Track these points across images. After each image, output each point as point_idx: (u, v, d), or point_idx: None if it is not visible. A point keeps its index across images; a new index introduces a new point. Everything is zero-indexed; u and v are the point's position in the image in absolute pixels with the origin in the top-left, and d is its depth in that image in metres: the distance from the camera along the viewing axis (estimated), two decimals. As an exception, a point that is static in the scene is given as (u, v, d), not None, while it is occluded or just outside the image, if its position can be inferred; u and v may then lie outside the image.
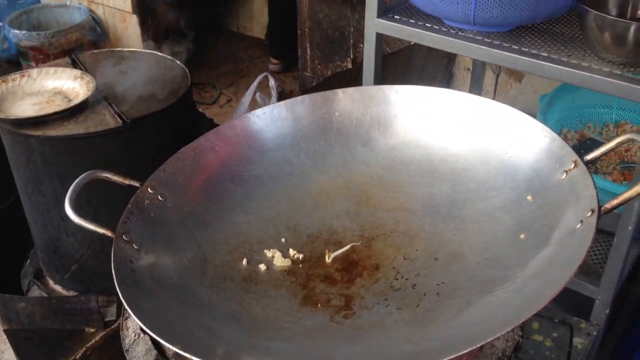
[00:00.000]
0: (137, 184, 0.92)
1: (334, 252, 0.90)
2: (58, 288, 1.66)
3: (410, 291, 0.81)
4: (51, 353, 1.39)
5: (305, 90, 2.13)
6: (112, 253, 0.81)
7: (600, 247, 1.53)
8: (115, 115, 1.41)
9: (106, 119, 1.41)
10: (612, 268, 1.31)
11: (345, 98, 1.08)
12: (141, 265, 0.84)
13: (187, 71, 1.60)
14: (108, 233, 0.85)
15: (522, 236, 0.85)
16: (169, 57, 1.67)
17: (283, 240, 0.93)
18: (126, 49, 1.74)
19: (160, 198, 0.93)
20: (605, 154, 0.82)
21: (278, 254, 0.91)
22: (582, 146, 1.56)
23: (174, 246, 0.90)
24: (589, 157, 0.83)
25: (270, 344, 0.76)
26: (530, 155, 0.91)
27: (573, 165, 0.84)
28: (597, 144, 1.55)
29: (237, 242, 0.93)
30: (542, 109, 1.51)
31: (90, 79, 1.51)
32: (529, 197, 0.88)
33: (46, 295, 1.64)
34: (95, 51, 1.73)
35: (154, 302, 0.78)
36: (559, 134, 1.61)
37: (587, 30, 1.16)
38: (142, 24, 3.26)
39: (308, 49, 2.67)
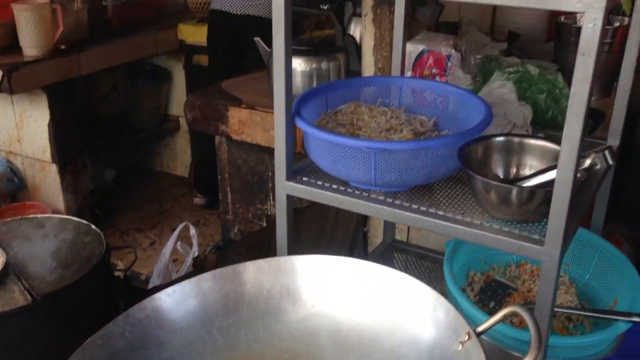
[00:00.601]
0: None
1: None
2: None
3: None
4: None
5: (222, 245, 2.17)
6: None
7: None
8: (25, 292, 1.38)
9: (15, 297, 1.38)
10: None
11: (255, 270, 1.12)
12: None
13: (103, 236, 1.61)
14: None
15: None
16: (84, 221, 1.67)
17: None
18: (40, 215, 1.73)
19: None
20: (494, 325, 0.88)
21: None
22: (488, 288, 1.63)
23: None
24: (480, 329, 0.88)
25: None
26: (430, 326, 0.96)
27: (467, 337, 0.88)
28: (501, 285, 1.64)
29: None
30: (447, 256, 1.59)
31: (1, 253, 1.48)
32: None
33: None
34: (7, 219, 1.71)
35: None
36: (467, 277, 1.69)
37: (475, 192, 1.27)
38: (62, 173, 3.26)
39: (229, 193, 2.73)
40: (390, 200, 1.37)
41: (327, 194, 1.42)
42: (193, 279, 1.09)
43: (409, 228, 2.26)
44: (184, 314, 1.06)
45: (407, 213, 1.33)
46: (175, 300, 1.06)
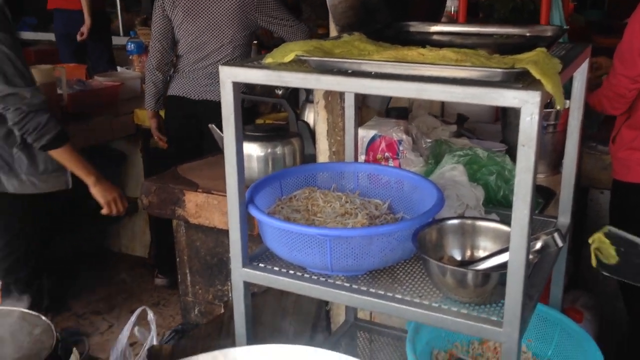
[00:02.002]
0: None
1: None
2: None
3: None
4: None
5: (180, 330, 2.11)
6: None
7: None
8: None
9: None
10: None
11: (210, 364, 1.08)
12: None
13: (53, 327, 1.55)
14: None
15: None
16: (33, 312, 1.61)
17: None
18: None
19: None
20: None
21: None
22: (451, 369, 1.62)
23: None
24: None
25: None
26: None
27: None
28: (465, 364, 1.63)
29: None
30: (410, 336, 1.57)
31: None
32: None
33: None
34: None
35: None
36: (430, 356, 1.68)
37: (432, 276, 1.28)
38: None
39: (188, 275, 2.69)
40: (348, 285, 1.37)
41: (285, 280, 1.41)
42: None
43: (370, 308, 2.24)
44: None
45: (365, 297, 1.33)
46: None
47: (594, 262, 1.19)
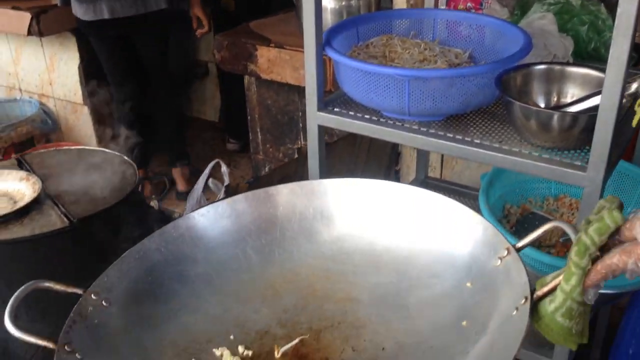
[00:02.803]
0: (80, 292, 0.92)
1: (282, 346, 0.90)
2: (5, 394, 1.59)
3: None
4: None
5: (254, 179, 2.17)
6: None
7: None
8: (62, 216, 1.41)
9: (52, 220, 1.40)
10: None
11: (287, 193, 1.11)
12: None
13: (135, 167, 1.62)
14: (50, 345, 0.84)
15: (464, 323, 0.87)
16: (116, 153, 1.68)
17: (232, 337, 0.93)
18: (73, 147, 1.75)
19: (104, 304, 0.93)
20: (534, 240, 0.86)
21: (227, 352, 0.91)
22: (524, 221, 1.61)
23: (120, 353, 0.89)
24: (520, 244, 0.86)
25: None
26: (468, 243, 0.94)
27: (506, 253, 0.87)
28: (538, 218, 1.61)
29: (185, 343, 0.93)
30: (483, 188, 1.57)
31: (36, 180, 1.51)
32: (468, 284, 0.91)
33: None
34: (42, 150, 1.74)
35: None
36: (502, 209, 1.67)
37: (515, 119, 1.23)
38: (94, 114, 3.29)
39: (259, 134, 2.73)
40: (425, 130, 1.34)
41: (359, 124, 1.40)
42: (226, 200, 1.08)
43: (442, 165, 2.23)
44: (217, 233, 1.06)
45: (441, 141, 1.31)
46: (209, 220, 1.06)
47: None
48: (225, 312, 0.97)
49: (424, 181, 2.12)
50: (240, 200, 1.10)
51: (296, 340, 0.91)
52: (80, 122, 3.33)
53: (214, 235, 1.06)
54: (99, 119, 3.27)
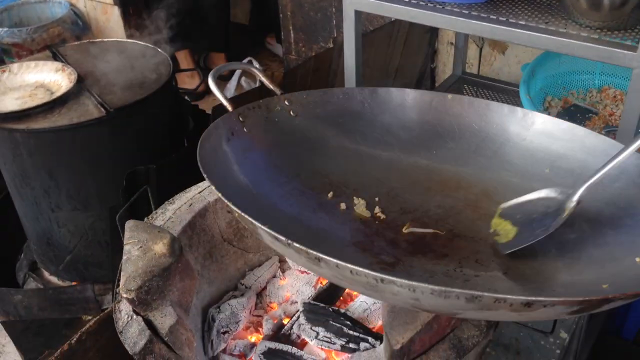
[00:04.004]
0: (278, 92, 1.01)
1: (415, 228, 0.92)
2: (54, 279, 1.67)
3: (460, 281, 0.81)
4: (49, 342, 1.41)
5: (287, 71, 2.12)
6: (218, 119, 0.91)
7: None
8: (99, 105, 1.41)
9: (89, 110, 1.41)
10: None
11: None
12: (239, 142, 0.92)
13: (169, 59, 1.60)
14: (229, 106, 0.93)
15: None
16: (150, 45, 1.66)
17: (377, 199, 0.97)
18: (107, 39, 1.73)
19: (292, 113, 1.01)
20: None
21: (363, 203, 0.96)
22: (566, 113, 1.57)
23: (278, 151, 0.96)
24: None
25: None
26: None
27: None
28: (581, 110, 1.57)
29: (336, 180, 0.98)
30: (524, 78, 1.52)
31: (72, 71, 1.50)
32: None
33: (42, 287, 1.65)
34: (76, 43, 1.73)
35: (225, 171, 0.85)
36: (543, 102, 1.62)
37: (563, -4, 1.17)
38: (125, 15, 3.23)
39: (291, 32, 2.66)
40: (466, 12, 1.29)
41: (398, 8, 1.35)
42: (428, 93, 1.05)
43: (480, 61, 2.16)
44: (415, 117, 1.05)
45: (484, 23, 1.25)
46: (413, 101, 1.05)
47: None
48: (386, 180, 1.00)
49: (461, 77, 2.07)
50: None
51: (430, 231, 0.91)
52: (111, 23, 3.28)
53: (412, 117, 1.06)
54: (129, 21, 3.22)
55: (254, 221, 0.71)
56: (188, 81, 2.98)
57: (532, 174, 0.96)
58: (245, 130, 0.94)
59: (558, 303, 0.61)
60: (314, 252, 0.66)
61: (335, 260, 0.64)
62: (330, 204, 0.94)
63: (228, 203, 0.74)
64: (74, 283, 1.63)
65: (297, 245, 0.67)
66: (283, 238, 0.68)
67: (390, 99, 1.06)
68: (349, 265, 0.64)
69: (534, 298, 0.59)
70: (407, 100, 1.06)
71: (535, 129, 0.99)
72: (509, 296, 0.59)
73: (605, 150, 0.88)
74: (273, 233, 0.69)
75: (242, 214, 0.72)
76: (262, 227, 0.70)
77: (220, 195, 0.76)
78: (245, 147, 0.93)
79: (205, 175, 0.78)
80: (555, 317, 0.89)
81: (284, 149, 0.98)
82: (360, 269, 0.63)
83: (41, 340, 1.43)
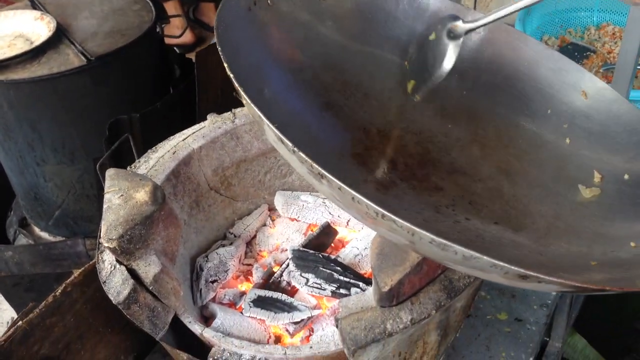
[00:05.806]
0: None
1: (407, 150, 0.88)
2: (44, 235, 1.65)
3: (450, 221, 0.79)
4: (40, 297, 1.39)
5: None
6: None
7: None
8: (79, 54, 1.36)
9: (70, 59, 1.36)
10: None
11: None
12: (259, 14, 0.83)
13: (151, 4, 1.54)
14: None
15: None
16: (130, -10, 1.60)
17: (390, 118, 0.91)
18: (87, -14, 1.67)
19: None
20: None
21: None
22: (563, 51, 1.52)
23: (300, 33, 0.89)
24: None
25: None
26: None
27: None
28: (578, 49, 1.52)
29: (349, 80, 0.92)
30: (520, 16, 1.46)
31: (51, 19, 1.45)
32: None
33: (33, 243, 1.63)
34: (55, -10, 1.66)
35: (238, 45, 0.78)
36: (540, 41, 1.57)
37: None
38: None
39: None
40: (459, -55, 1.23)
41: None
42: None
43: (475, 3, 2.09)
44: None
45: (478, -44, 1.19)
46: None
47: None
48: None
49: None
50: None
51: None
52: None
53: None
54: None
55: (262, 116, 0.64)
56: (178, 33, 2.90)
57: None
58: (269, 2, 0.86)
59: (554, 283, 0.58)
60: (318, 168, 0.61)
61: (339, 183, 0.60)
62: (337, 106, 0.89)
63: (239, 89, 0.67)
64: (64, 238, 1.61)
65: (303, 155, 0.61)
66: (289, 144, 0.62)
67: (428, 7, 0.98)
68: (352, 192, 0.60)
69: (531, 272, 0.56)
70: (443, 10, 0.98)
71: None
72: (506, 265, 0.56)
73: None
74: (280, 135, 0.63)
75: (252, 105, 0.65)
76: (270, 125, 0.63)
77: (232, 78, 0.68)
78: (266, 21, 0.85)
79: (219, 48, 0.71)
80: (544, 291, 0.86)
81: (304, 32, 0.90)
82: (364, 199, 0.59)
83: (32, 296, 1.42)
